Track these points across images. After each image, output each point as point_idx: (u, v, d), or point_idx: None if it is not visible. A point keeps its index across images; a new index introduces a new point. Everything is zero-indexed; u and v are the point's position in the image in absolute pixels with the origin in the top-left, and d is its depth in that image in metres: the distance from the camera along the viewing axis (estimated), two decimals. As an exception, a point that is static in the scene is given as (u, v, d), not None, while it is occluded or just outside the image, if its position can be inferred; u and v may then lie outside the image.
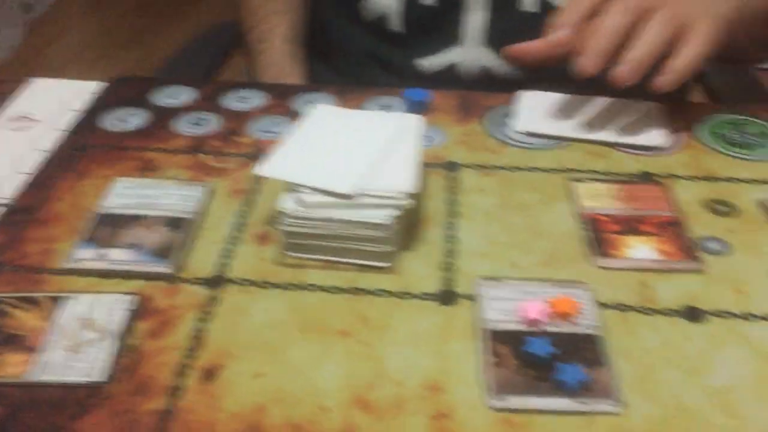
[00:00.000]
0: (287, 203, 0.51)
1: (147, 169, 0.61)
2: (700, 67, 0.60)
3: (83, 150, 0.63)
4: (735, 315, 0.48)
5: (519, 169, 0.62)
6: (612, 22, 0.59)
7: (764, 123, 0.68)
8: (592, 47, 0.58)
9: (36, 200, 0.57)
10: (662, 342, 0.46)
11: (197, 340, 0.46)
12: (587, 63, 0.58)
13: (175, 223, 0.54)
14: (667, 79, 0.59)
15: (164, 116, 0.68)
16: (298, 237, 0.52)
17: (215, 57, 0.99)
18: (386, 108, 0.70)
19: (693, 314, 0.48)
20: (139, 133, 0.66)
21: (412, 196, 0.51)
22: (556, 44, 0.61)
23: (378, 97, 0.71)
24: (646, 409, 0.42)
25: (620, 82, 0.59)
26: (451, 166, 0.63)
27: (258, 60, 0.89)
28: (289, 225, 0.51)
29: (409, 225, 0.55)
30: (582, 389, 0.43)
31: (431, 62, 0.80)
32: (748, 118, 0.69)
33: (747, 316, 0.48)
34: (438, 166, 0.62)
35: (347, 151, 0.55)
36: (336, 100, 0.71)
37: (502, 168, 0.62)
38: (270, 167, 0.53)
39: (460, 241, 0.54)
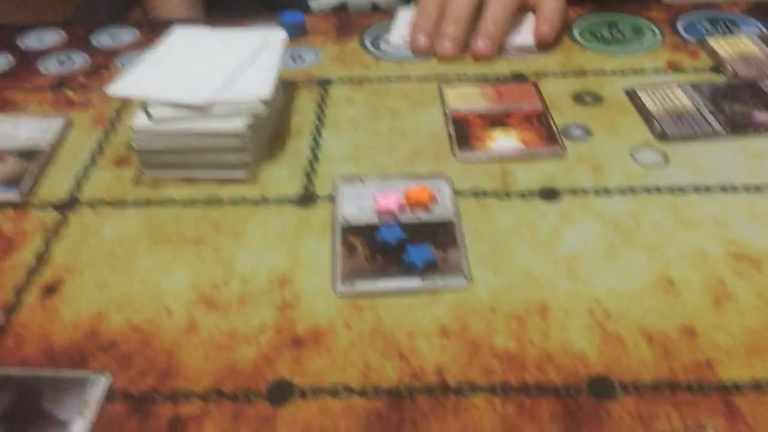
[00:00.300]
0: (138, 120, 0.50)
1: (5, 107, 0.59)
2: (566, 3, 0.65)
3: (-61, 94, 0.61)
4: (589, 191, 0.48)
5: (391, 80, 0.62)
6: (456, 5, 0.64)
7: (637, 19, 0.68)
8: (446, 34, 0.63)
9: None
10: (516, 222, 0.46)
11: (41, 259, 0.45)
12: (446, 50, 0.63)
13: (27, 154, 0.53)
14: (544, 29, 0.64)
15: (30, 58, 0.66)
16: (152, 154, 0.50)
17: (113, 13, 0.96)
18: (261, 34, 0.68)
19: (549, 194, 0.48)
20: (2, 76, 0.64)
21: (266, 102, 0.50)
22: (420, 51, 0.65)
23: (253, 24, 0.70)
24: (492, 282, 0.42)
25: (481, 56, 0.63)
26: (324, 83, 0.62)
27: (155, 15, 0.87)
28: (141, 142, 0.50)
29: (272, 137, 0.54)
30: (430, 269, 0.43)
31: (320, 2, 0.79)
32: (621, 15, 0.69)
33: (600, 191, 0.48)
34: (311, 84, 0.61)
35: (204, 67, 0.53)
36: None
37: (375, 80, 0.62)
38: (120, 85, 0.52)
39: (325, 148, 0.53)
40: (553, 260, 0.43)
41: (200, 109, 0.49)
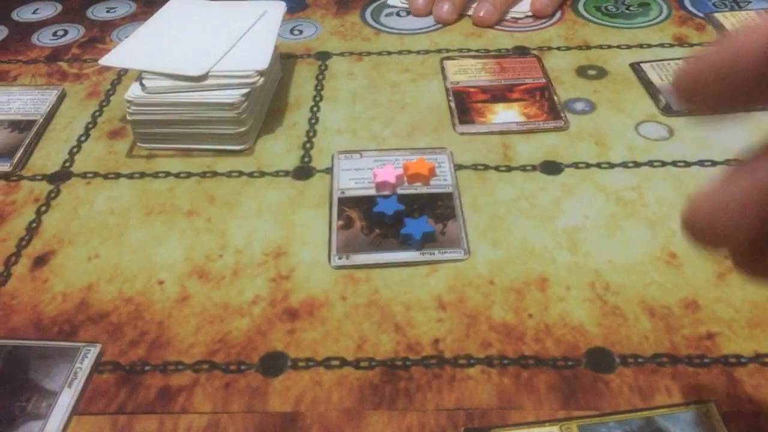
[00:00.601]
0: (132, 90, 0.49)
1: (0, 80, 0.58)
2: None
3: (-68, 66, 0.60)
4: (592, 165, 0.47)
5: (392, 53, 0.60)
6: None
7: (644, -8, 0.67)
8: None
9: None
10: (516, 195, 0.45)
11: (31, 230, 0.44)
12: (444, 13, 0.63)
13: (20, 125, 0.52)
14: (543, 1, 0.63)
15: (24, 30, 0.65)
16: (147, 125, 0.49)
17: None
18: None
19: (550, 167, 0.47)
20: (-5, 47, 0.63)
21: (262, 73, 0.49)
22: (420, 13, 0.65)
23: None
24: (490, 254, 0.41)
25: (481, 24, 0.63)
26: (323, 56, 0.60)
27: None
28: (135, 113, 0.49)
29: (270, 110, 0.53)
30: (428, 241, 0.42)
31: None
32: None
33: (602, 165, 0.47)
34: (309, 57, 0.60)
35: (200, 38, 0.52)
36: (208, 3, 0.68)
37: (375, 53, 0.60)
38: (113, 56, 0.51)
39: (323, 121, 0.52)
40: (553, 233, 0.42)
41: (196, 80, 0.48)
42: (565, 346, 0.36)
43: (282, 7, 0.56)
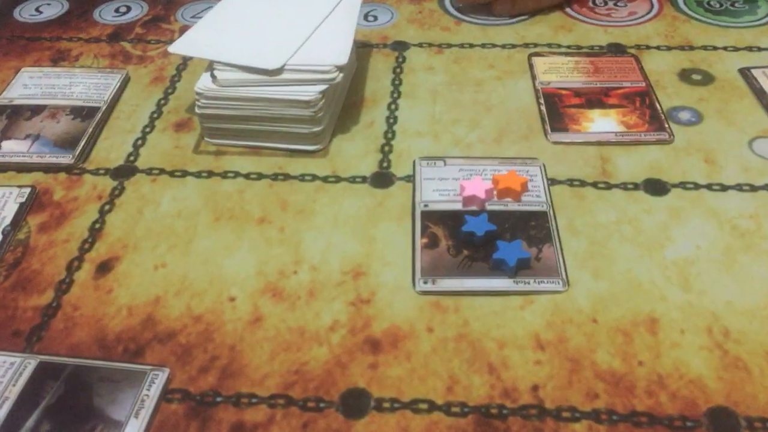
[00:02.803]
0: (202, 82, 0.45)
1: (61, 59, 0.55)
2: None
3: (-8, 42, 0.58)
4: (702, 186, 0.43)
5: (474, 45, 0.56)
6: None
7: (751, -13, 0.61)
8: None
9: (-63, 96, 0.52)
10: (618, 217, 0.41)
11: (94, 232, 0.41)
12: None
13: (82, 112, 0.49)
14: None
15: (85, 5, 0.62)
16: (216, 120, 0.46)
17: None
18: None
19: (655, 187, 0.43)
20: (56, 23, 0.60)
21: (340, 69, 0.45)
22: None
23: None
24: (592, 287, 0.37)
25: None
26: (400, 46, 0.56)
27: None
28: (204, 107, 0.46)
29: (345, 106, 0.50)
30: (523, 268, 0.38)
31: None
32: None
33: (713, 186, 0.43)
34: (385, 46, 0.56)
35: (275, 27, 0.48)
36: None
37: (456, 46, 0.56)
38: (183, 44, 0.47)
39: (402, 120, 0.49)
40: (661, 264, 0.38)
41: (270, 74, 0.45)
42: (682, 402, 0.32)
43: (360, -6, 0.52)
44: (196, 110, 0.46)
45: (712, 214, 0.41)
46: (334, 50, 0.46)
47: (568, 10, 0.60)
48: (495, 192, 0.42)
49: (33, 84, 0.51)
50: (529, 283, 0.37)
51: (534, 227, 0.40)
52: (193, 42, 0.47)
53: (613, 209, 0.41)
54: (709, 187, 0.43)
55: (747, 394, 0.32)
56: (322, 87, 0.45)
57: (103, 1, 0.63)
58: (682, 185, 0.43)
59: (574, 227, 0.40)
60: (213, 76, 0.45)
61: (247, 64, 0.45)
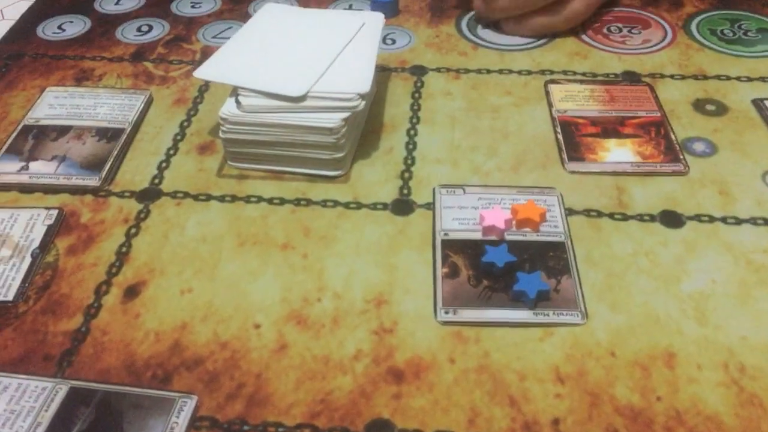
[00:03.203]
0: (227, 108, 0.46)
1: (84, 78, 0.56)
2: None
3: (17, 59, 0.58)
4: (717, 219, 0.43)
5: (491, 71, 0.57)
6: None
7: (762, 18, 0.62)
8: None
9: (-38, 114, 0.53)
10: (635, 249, 0.42)
11: (121, 256, 0.42)
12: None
13: (107, 134, 0.50)
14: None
15: (108, 23, 0.63)
16: (239, 145, 0.47)
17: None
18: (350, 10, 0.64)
19: (671, 219, 0.44)
20: (79, 41, 0.61)
21: (363, 97, 0.46)
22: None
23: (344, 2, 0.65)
24: (610, 320, 0.38)
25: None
26: (418, 70, 0.57)
27: None
28: (228, 132, 0.46)
29: (365, 131, 0.51)
30: (542, 300, 0.39)
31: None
32: (744, 13, 0.63)
33: (728, 220, 0.43)
34: (403, 71, 0.57)
35: (297, 52, 0.49)
36: (298, 3, 0.65)
37: (474, 71, 0.57)
38: (208, 69, 0.48)
39: (420, 147, 0.49)
40: (678, 298, 0.39)
41: (294, 101, 0.45)
42: (700, 438, 0.33)
43: (381, 20, 0.53)
44: (220, 135, 0.47)
45: (726, 248, 0.42)
46: (356, 78, 0.47)
47: (583, 36, 0.60)
48: (514, 222, 0.43)
49: (58, 104, 0.52)
50: (548, 315, 0.38)
51: (552, 258, 0.41)
52: (218, 67, 0.48)
53: (629, 241, 0.42)
54: (723, 220, 0.43)
55: None
56: (345, 114, 0.45)
57: (125, 19, 0.63)
58: (698, 218, 0.44)
59: (591, 259, 0.41)
60: (237, 102, 0.46)
61: (271, 91, 0.46)
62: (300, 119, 0.45)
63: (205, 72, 0.48)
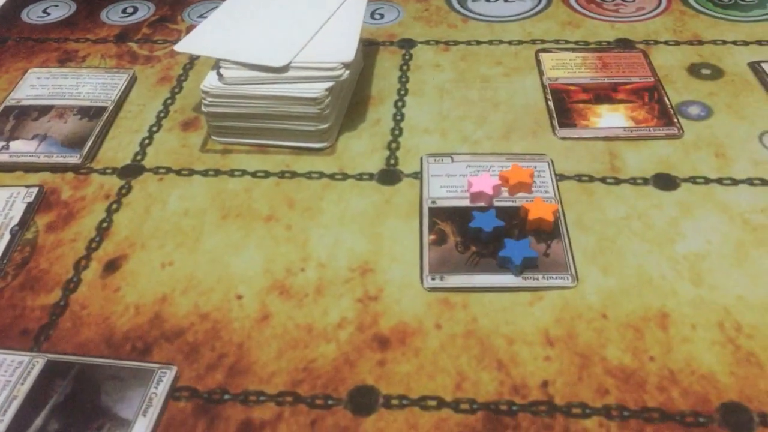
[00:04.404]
0: (209, 81, 0.45)
1: (68, 59, 0.55)
2: None
3: (1, 44, 0.58)
4: (712, 180, 0.42)
5: (481, 42, 0.56)
6: None
7: (760, -19, 0.61)
8: None
9: (-55, 98, 0.52)
10: (627, 212, 0.41)
11: (102, 231, 0.41)
12: None
13: (89, 112, 0.49)
14: None
15: (92, 6, 0.62)
16: (222, 118, 0.46)
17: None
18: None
19: (665, 182, 0.42)
20: (63, 24, 0.60)
21: (347, 66, 0.45)
22: None
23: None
24: (602, 283, 0.37)
25: None
26: (407, 44, 0.56)
27: None
28: (211, 105, 0.46)
29: (351, 104, 0.50)
30: (529, 267, 0.38)
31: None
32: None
33: (724, 181, 0.42)
34: (392, 44, 0.56)
35: (280, 24, 0.48)
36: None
37: (463, 43, 0.56)
38: (189, 42, 0.47)
39: (409, 118, 0.48)
40: (672, 259, 0.38)
41: (276, 71, 0.44)
42: (694, 398, 0.32)
43: (366, -9, 0.52)
44: (203, 108, 0.46)
45: (722, 209, 0.40)
46: (340, 47, 0.46)
47: (574, 5, 0.59)
48: (506, 188, 0.42)
49: (40, 84, 0.51)
50: (537, 279, 0.37)
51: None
52: (199, 40, 0.47)
53: (622, 204, 0.41)
54: (719, 181, 0.42)
55: (760, 390, 0.32)
56: (329, 84, 0.44)
57: (111, 2, 0.63)
58: (692, 180, 0.42)
59: (582, 223, 0.40)
60: (219, 74, 0.45)
61: (253, 62, 0.45)
62: (283, 90, 0.45)
63: (186, 45, 0.47)
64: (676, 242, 0.39)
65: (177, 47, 0.47)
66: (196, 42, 0.47)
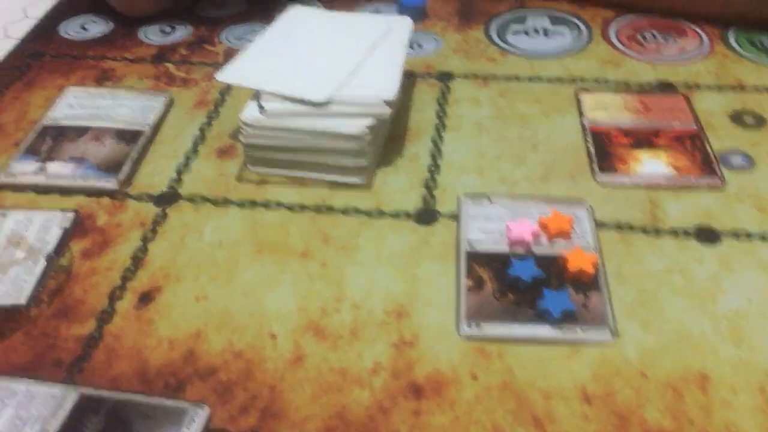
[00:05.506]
0: (249, 112, 0.45)
1: (105, 78, 0.56)
2: None
3: (37, 58, 0.58)
4: (754, 235, 0.42)
5: (520, 79, 0.55)
6: None
7: (805, 27, 0.60)
8: None
9: (-17, 113, 0.53)
10: (668, 266, 0.40)
11: (137, 260, 0.41)
12: None
13: (126, 136, 0.49)
14: None
15: (130, 24, 0.62)
16: (261, 150, 0.46)
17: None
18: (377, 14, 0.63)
19: (706, 235, 0.42)
20: (101, 41, 0.60)
21: (390, 104, 0.45)
22: None
23: (370, 3, 0.64)
24: (641, 339, 0.36)
25: None
26: (445, 77, 0.56)
27: None
28: (250, 136, 0.45)
29: (388, 138, 0.49)
30: (568, 318, 0.37)
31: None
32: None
33: (767, 237, 0.42)
34: (430, 76, 0.56)
35: (322, 56, 0.48)
36: (324, 7, 0.64)
37: (502, 78, 0.55)
38: (231, 72, 0.47)
39: (446, 154, 0.48)
40: (712, 317, 0.37)
41: (317, 106, 0.44)
42: (736, 468, 0.31)
43: (409, 25, 0.52)
44: (242, 140, 0.46)
45: (764, 266, 0.40)
46: (383, 84, 0.45)
47: (615, 42, 0.59)
48: (540, 234, 0.41)
49: (78, 104, 0.51)
50: (576, 332, 0.36)
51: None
52: (241, 70, 0.47)
53: (663, 257, 0.40)
54: (762, 237, 0.41)
55: (804, 462, 0.31)
56: (370, 121, 0.44)
57: (148, 21, 0.63)
58: (735, 234, 0.42)
59: (622, 275, 0.40)
60: (260, 107, 0.45)
61: (294, 95, 0.45)
62: (324, 125, 0.44)
63: (228, 75, 0.47)
64: (717, 299, 0.38)
65: (219, 77, 0.47)
66: (237, 72, 0.47)
